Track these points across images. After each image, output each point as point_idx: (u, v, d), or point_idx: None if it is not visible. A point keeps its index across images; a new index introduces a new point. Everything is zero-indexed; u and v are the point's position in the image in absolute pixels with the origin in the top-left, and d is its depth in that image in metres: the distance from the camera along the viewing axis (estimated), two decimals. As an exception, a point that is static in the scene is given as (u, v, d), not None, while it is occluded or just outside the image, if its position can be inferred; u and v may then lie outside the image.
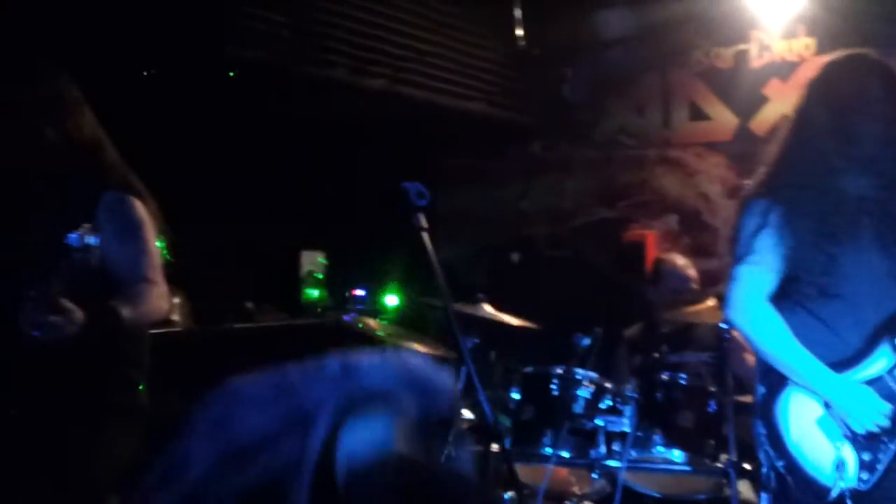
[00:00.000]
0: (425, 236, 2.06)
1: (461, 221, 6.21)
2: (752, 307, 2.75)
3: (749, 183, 2.92)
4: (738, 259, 2.78)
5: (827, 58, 2.89)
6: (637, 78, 6.32)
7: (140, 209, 2.57)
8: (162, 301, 2.64)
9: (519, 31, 5.58)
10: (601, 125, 6.46)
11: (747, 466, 3.73)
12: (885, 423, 2.63)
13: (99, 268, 2.33)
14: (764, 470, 2.79)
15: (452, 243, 5.59)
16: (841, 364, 2.69)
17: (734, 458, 3.72)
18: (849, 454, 2.65)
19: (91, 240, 2.24)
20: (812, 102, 2.81)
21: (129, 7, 3.90)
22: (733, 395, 3.86)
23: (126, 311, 2.50)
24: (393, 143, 5.12)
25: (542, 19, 5.73)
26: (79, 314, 2.33)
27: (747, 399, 3.99)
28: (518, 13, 5.51)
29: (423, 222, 2.06)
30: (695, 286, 4.96)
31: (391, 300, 5.66)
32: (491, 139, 6.43)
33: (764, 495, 3.65)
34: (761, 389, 2.82)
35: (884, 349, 2.68)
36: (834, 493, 2.62)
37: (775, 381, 2.76)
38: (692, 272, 4.96)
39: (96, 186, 2.61)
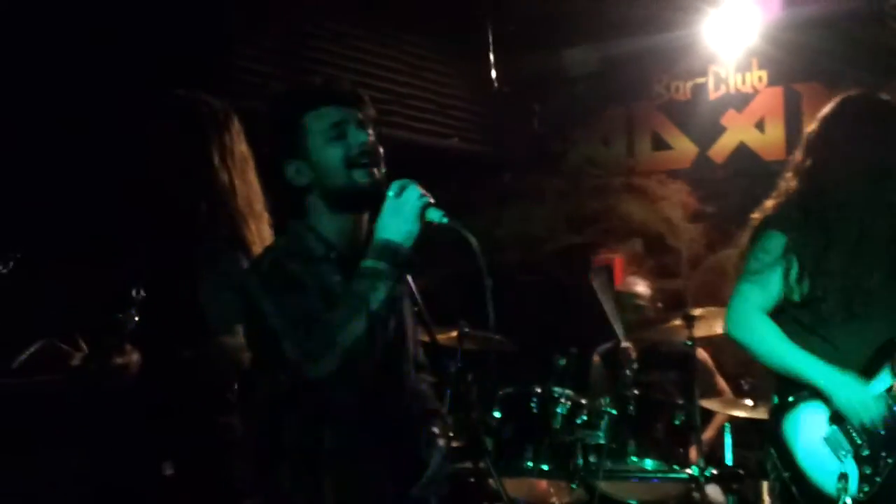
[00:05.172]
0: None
1: (437, 250, 6.39)
2: (749, 319, 2.88)
3: (760, 214, 3.01)
4: (744, 277, 2.92)
5: (842, 95, 3.02)
6: (602, 111, 6.52)
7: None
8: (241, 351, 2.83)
9: (492, 73, 5.75)
10: (569, 156, 6.64)
11: (714, 471, 3.92)
12: (881, 426, 2.75)
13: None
14: (771, 478, 2.89)
15: (429, 271, 5.72)
16: None
17: (702, 464, 3.91)
18: (851, 467, 2.77)
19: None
20: (837, 138, 2.92)
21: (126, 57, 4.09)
22: (699, 406, 4.07)
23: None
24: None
25: (511, 58, 5.88)
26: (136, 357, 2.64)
27: (712, 406, 4.30)
28: (492, 56, 5.71)
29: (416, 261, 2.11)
30: (650, 304, 5.14)
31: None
32: (465, 172, 6.50)
33: (730, 498, 3.97)
34: (773, 401, 2.96)
35: (885, 371, 2.81)
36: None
37: (786, 395, 2.89)
38: (647, 294, 5.16)
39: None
